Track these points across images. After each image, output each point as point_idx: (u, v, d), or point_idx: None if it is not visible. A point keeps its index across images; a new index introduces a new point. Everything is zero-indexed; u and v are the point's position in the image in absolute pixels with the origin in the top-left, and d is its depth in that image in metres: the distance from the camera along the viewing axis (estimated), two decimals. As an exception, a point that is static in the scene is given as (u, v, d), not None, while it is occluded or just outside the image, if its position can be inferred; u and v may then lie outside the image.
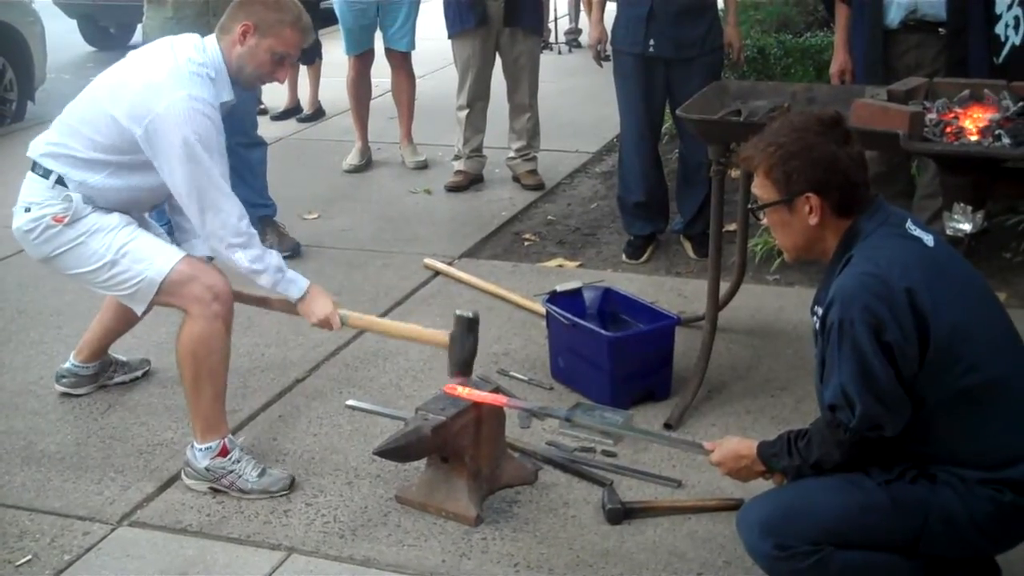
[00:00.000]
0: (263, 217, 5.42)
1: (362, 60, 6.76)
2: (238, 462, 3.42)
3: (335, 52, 7.35)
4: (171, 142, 3.24)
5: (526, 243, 5.54)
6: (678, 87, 4.91)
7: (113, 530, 3.25)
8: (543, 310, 4.18)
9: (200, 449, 3.41)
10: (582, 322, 3.95)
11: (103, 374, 4.06)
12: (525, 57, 6.15)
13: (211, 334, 3.38)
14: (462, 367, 3.41)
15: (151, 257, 3.42)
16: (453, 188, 6.35)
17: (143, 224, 3.59)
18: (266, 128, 6.01)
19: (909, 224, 2.53)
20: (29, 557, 3.12)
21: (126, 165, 3.39)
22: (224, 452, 3.41)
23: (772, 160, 2.53)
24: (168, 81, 3.28)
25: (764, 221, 2.64)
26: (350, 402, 3.78)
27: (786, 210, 2.55)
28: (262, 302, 3.70)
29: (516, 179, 6.41)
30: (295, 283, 3.49)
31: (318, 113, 8.13)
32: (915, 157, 4.64)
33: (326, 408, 3.90)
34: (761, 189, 2.58)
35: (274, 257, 3.45)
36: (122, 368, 4.11)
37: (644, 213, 5.29)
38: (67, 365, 4.02)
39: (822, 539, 2.48)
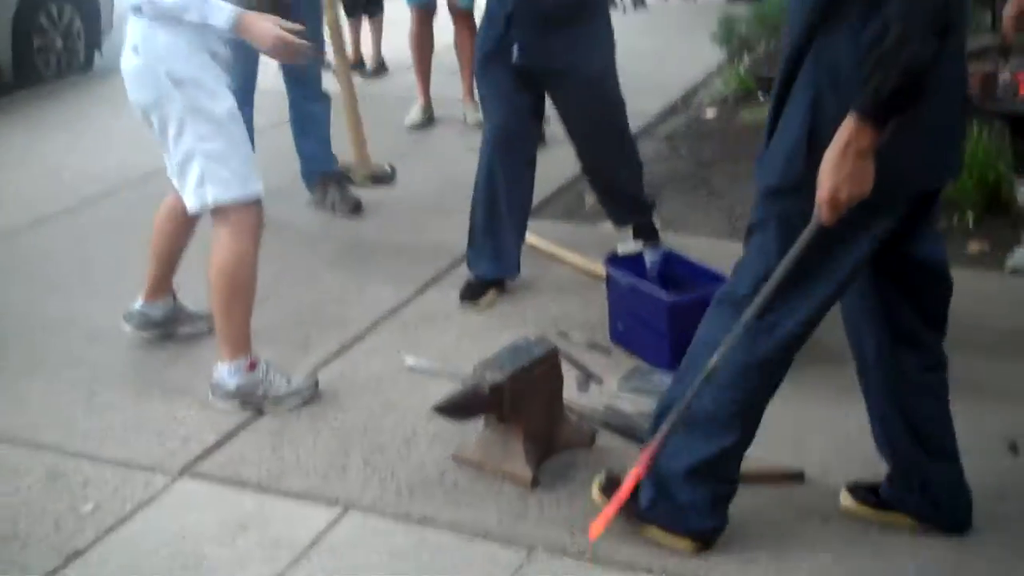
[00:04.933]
0: (326, 172, 5.44)
1: (424, 13, 6.72)
2: (267, 372, 3.54)
3: (398, 8, 7.32)
4: None
5: (587, 205, 5.50)
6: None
7: (174, 481, 3.29)
8: (604, 272, 4.15)
9: (228, 367, 3.53)
10: (641, 285, 3.93)
11: (171, 321, 4.08)
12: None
13: (247, 252, 3.51)
14: None
15: (233, 176, 3.47)
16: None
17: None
18: (329, 83, 5.99)
19: None
20: (92, 505, 3.18)
21: None
22: (252, 366, 3.54)
23: None
24: None
25: None
26: (409, 360, 3.79)
27: None
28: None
29: (578, 139, 6.32)
30: (223, 11, 3.37)
31: (380, 69, 8.12)
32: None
33: (385, 366, 3.92)
34: None
35: None
36: (189, 320, 4.12)
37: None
38: (136, 307, 4.05)
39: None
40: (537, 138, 4.48)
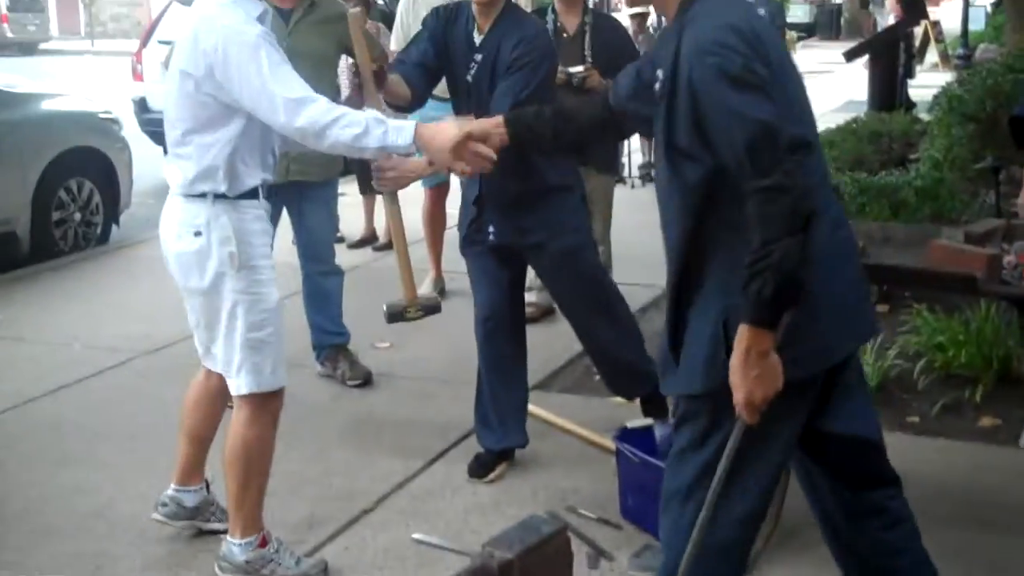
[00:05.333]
0: (336, 345, 5.47)
1: (437, 192, 6.86)
2: (277, 551, 3.51)
3: (412, 185, 7.46)
4: (228, 59, 3.21)
5: (596, 377, 5.50)
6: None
7: (176, 661, 3.23)
8: (613, 446, 4.14)
9: (240, 544, 3.49)
10: (651, 460, 3.91)
11: (203, 511, 3.87)
12: (598, 192, 6.17)
13: (264, 435, 3.51)
14: None
15: (267, 367, 3.48)
16: (526, 320, 6.34)
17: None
18: (342, 256, 6.11)
19: None
20: None
21: (226, 126, 3.34)
22: (264, 543, 3.51)
23: None
24: (208, 21, 3.28)
25: None
26: (416, 536, 3.75)
27: None
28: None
29: (588, 312, 6.36)
30: (402, 129, 3.25)
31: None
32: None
33: (393, 541, 3.87)
34: None
35: (366, 113, 3.32)
36: (220, 516, 3.87)
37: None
38: (169, 492, 3.86)
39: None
40: (523, 314, 4.54)
